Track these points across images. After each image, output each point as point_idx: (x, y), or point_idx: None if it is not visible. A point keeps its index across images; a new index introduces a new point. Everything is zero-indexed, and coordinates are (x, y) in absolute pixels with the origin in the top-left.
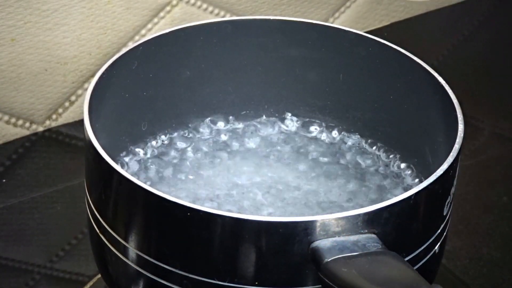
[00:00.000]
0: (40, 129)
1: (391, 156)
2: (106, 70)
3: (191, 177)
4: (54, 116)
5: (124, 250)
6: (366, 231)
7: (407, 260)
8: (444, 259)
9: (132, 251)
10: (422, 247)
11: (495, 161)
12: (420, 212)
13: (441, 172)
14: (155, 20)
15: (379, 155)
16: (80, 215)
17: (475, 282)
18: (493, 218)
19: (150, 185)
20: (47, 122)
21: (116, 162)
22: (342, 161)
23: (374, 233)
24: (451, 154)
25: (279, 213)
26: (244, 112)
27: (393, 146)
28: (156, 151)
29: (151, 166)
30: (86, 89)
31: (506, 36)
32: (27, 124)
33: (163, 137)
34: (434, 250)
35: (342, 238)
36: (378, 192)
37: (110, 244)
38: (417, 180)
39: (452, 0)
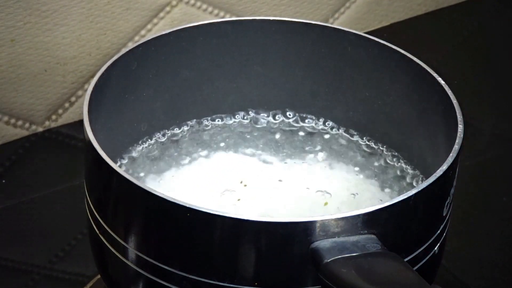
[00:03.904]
0: (40, 129)
1: (390, 156)
2: (106, 70)
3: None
4: (53, 117)
5: (123, 251)
6: (366, 231)
7: (406, 261)
8: (444, 259)
9: (132, 251)
10: (422, 248)
11: (495, 161)
12: (420, 212)
13: (441, 172)
14: (155, 20)
15: (379, 155)
16: (79, 215)
17: (474, 282)
18: (493, 219)
19: (150, 186)
20: (47, 123)
21: (116, 162)
22: (341, 161)
23: (373, 234)
24: (451, 154)
25: (282, 211)
26: (244, 112)
27: (393, 146)
28: (155, 151)
29: (151, 166)
30: (85, 90)
31: (506, 36)
32: (27, 125)
33: (162, 137)
34: (433, 250)
35: (341, 239)
36: (378, 192)
37: (109, 244)
38: (416, 180)
39: (452, 0)
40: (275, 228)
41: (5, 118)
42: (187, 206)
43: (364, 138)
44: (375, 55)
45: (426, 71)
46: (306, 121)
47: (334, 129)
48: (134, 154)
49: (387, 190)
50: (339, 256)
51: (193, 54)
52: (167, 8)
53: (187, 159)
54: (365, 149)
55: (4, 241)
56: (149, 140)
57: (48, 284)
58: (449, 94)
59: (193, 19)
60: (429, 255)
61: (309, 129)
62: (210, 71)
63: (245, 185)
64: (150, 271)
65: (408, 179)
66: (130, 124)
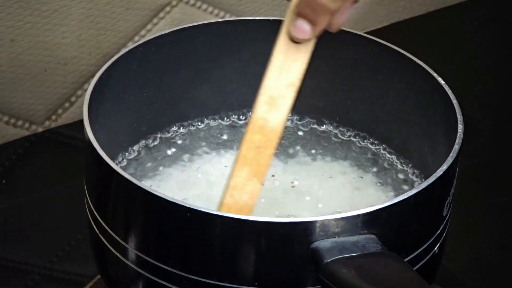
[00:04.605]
0: (40, 129)
1: (390, 157)
2: (106, 70)
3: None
4: (53, 117)
5: (123, 251)
6: (366, 231)
7: (406, 261)
8: (444, 259)
9: (132, 251)
10: (422, 248)
11: (495, 161)
12: (420, 212)
13: (441, 172)
14: (155, 20)
15: (379, 155)
16: (79, 215)
17: (474, 282)
18: (493, 219)
19: (150, 186)
20: (47, 123)
21: (116, 162)
22: (342, 161)
23: (373, 234)
24: (451, 154)
25: (281, 211)
26: (244, 112)
27: (393, 146)
28: (155, 151)
29: (151, 166)
30: (85, 90)
31: (506, 36)
32: (27, 125)
33: (162, 137)
34: (433, 250)
35: (341, 239)
36: (378, 192)
37: (109, 244)
38: (417, 180)
39: (452, 0)
40: (275, 228)
41: (5, 118)
42: (187, 206)
43: (364, 138)
44: (376, 55)
45: (426, 71)
46: (306, 121)
47: (334, 129)
48: (133, 153)
49: (387, 190)
50: (339, 256)
51: (193, 54)
52: (167, 8)
53: (187, 159)
54: (365, 149)
55: (4, 241)
56: (149, 139)
57: (48, 284)
58: (449, 94)
59: (193, 19)
60: (429, 255)
61: (309, 129)
62: (210, 71)
63: None
64: (150, 271)
65: (408, 179)
66: (130, 124)
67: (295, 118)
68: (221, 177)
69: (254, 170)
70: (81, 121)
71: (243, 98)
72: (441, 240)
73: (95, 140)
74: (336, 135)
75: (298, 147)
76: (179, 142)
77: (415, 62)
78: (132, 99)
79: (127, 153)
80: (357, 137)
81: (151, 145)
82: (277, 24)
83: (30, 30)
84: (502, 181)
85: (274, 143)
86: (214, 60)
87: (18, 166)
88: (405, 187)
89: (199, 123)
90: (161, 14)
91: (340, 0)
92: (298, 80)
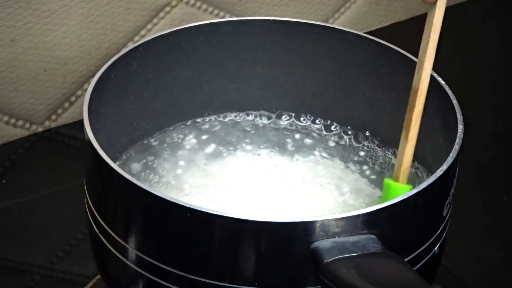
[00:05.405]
0: (40, 129)
1: (391, 157)
2: (106, 70)
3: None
4: (53, 117)
5: (123, 251)
6: (366, 231)
7: (406, 261)
8: (444, 259)
9: (132, 251)
10: (422, 248)
11: (494, 161)
12: (420, 212)
13: (441, 172)
14: (155, 20)
15: (379, 155)
16: (79, 215)
17: (474, 283)
18: (493, 219)
19: (150, 186)
20: (47, 123)
21: (116, 162)
22: (341, 161)
23: (373, 234)
24: (451, 154)
25: (282, 210)
26: (244, 112)
27: (393, 146)
28: (155, 151)
29: (151, 166)
30: (85, 90)
31: (506, 36)
32: (27, 125)
33: (162, 137)
34: (433, 250)
35: (341, 239)
36: (377, 192)
37: (109, 244)
38: (417, 180)
39: (452, 0)
40: (275, 228)
41: (5, 118)
42: (187, 206)
43: (364, 138)
44: (375, 55)
45: None
46: (306, 121)
47: (334, 129)
48: (133, 153)
49: None
50: (339, 256)
51: (193, 54)
52: (167, 8)
53: (187, 159)
54: (365, 149)
55: (4, 241)
56: (149, 140)
57: (48, 284)
58: (449, 94)
59: (193, 19)
60: (429, 255)
61: (308, 129)
62: (210, 71)
63: (247, 184)
64: (150, 271)
65: (408, 179)
66: (130, 124)
67: (294, 118)
68: (221, 176)
69: (406, 129)
70: (81, 121)
71: (243, 98)
72: (441, 240)
73: (95, 140)
74: (335, 135)
75: (297, 147)
76: (179, 142)
77: (415, 62)
78: (132, 99)
79: (127, 153)
80: (357, 137)
81: (151, 145)
82: (277, 24)
83: (30, 30)
84: (502, 181)
85: (415, 102)
86: (214, 60)
87: (18, 166)
88: None
89: (199, 123)
90: (161, 14)
91: None
92: (435, 36)
